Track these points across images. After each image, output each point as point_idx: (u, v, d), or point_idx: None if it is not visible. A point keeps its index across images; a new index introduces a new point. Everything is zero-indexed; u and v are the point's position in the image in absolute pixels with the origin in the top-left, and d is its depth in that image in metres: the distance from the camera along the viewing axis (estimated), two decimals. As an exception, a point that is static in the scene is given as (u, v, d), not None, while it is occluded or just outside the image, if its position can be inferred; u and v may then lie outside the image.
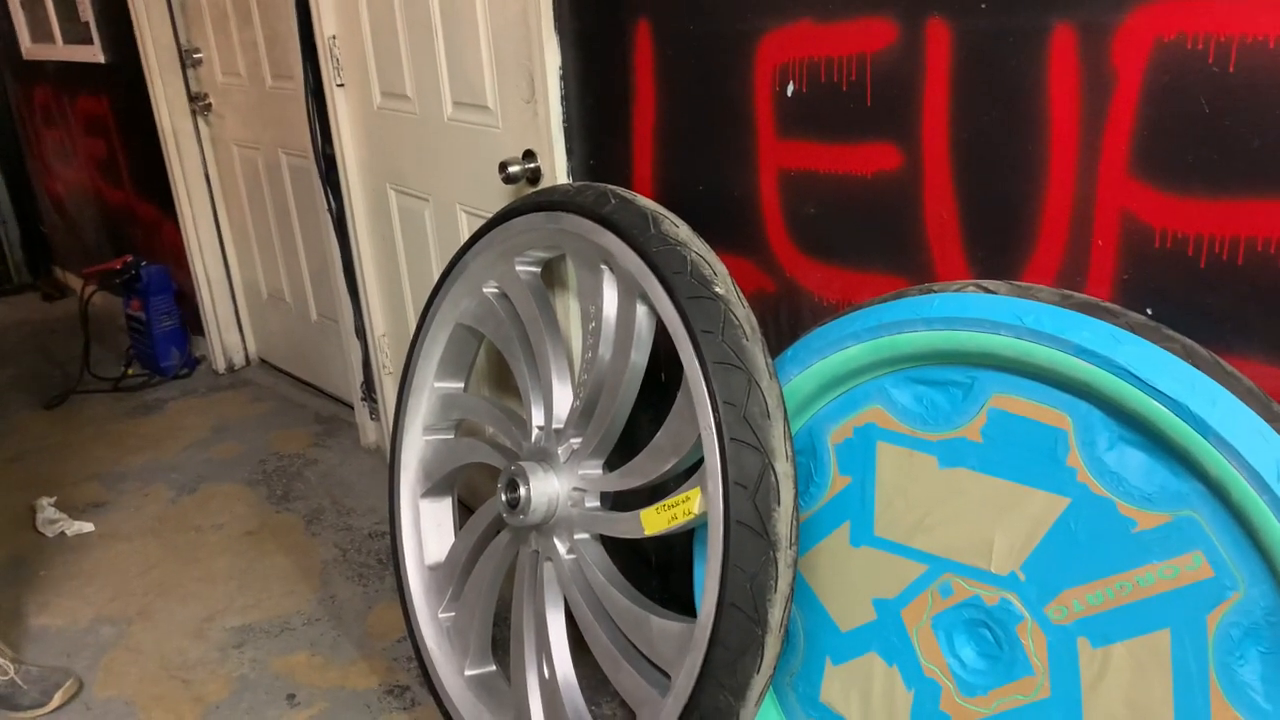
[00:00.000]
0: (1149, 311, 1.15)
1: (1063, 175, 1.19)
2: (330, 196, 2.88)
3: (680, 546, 1.96)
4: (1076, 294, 1.18)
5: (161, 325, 3.83)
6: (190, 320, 3.92)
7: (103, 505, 2.93)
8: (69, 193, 4.79)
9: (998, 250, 1.28)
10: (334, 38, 2.53)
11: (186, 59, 3.50)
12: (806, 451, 1.46)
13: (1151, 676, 1.15)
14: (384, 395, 2.89)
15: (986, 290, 1.22)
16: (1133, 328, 1.10)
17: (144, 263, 3.85)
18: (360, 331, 3.01)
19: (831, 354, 1.36)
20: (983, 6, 1.21)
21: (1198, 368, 1.06)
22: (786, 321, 1.59)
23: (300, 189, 3.22)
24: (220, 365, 3.90)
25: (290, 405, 3.57)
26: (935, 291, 1.26)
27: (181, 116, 3.56)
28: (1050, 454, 1.20)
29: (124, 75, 3.70)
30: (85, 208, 4.64)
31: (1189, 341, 1.09)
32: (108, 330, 4.17)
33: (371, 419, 3.13)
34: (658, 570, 2.08)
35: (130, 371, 3.87)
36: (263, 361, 3.95)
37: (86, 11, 3.82)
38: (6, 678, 2.07)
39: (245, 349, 3.95)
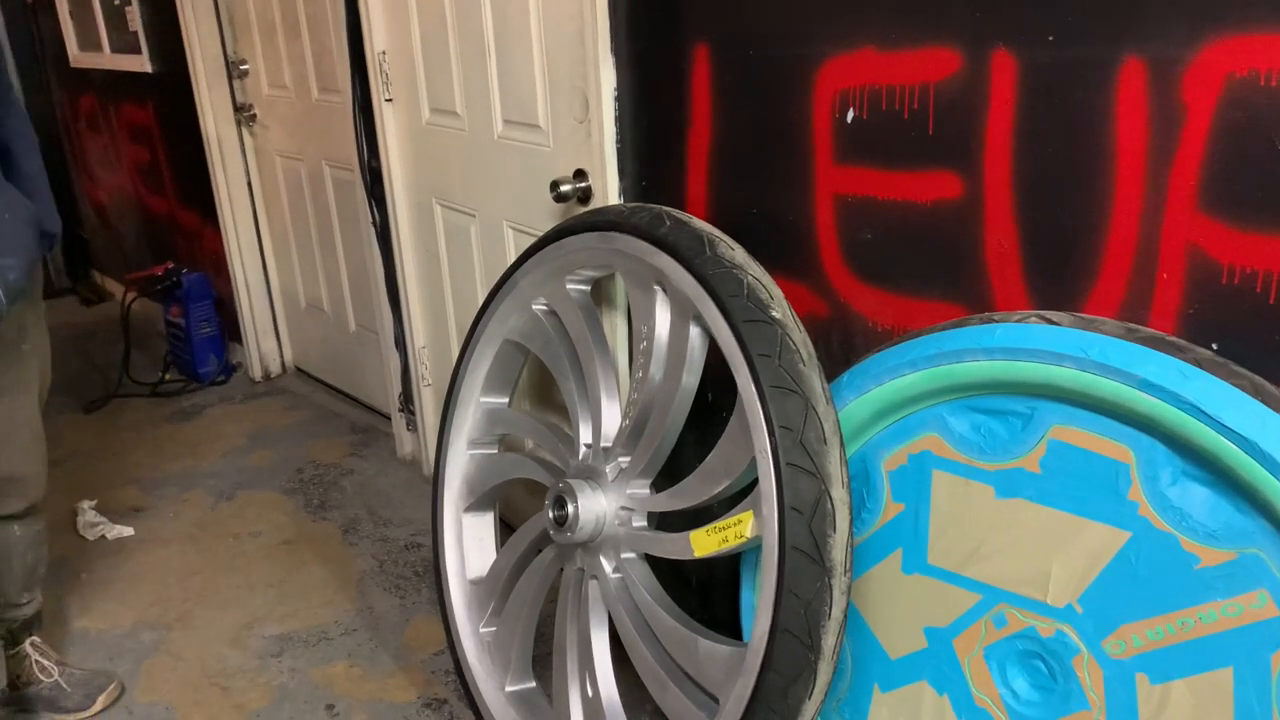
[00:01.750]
0: (1215, 347, 1.15)
1: (1128, 208, 1.19)
2: (375, 209, 2.90)
3: (722, 568, 1.96)
4: (1142, 328, 1.18)
5: (200, 332, 3.88)
6: (228, 327, 3.96)
7: (142, 510, 2.96)
8: (110, 199, 4.85)
9: (1058, 281, 1.28)
10: (384, 53, 2.56)
11: (233, 70, 3.55)
12: (860, 477, 1.46)
13: (1212, 715, 1.14)
14: (422, 407, 2.91)
15: (1049, 321, 1.22)
16: (1200, 363, 1.10)
17: (185, 270, 3.91)
18: (400, 343, 3.03)
19: (889, 380, 1.36)
20: (1050, 39, 1.21)
21: (1267, 405, 1.06)
22: (839, 346, 1.59)
23: (343, 201, 3.25)
24: (257, 373, 3.94)
25: (326, 414, 3.60)
26: (996, 321, 1.26)
27: (226, 126, 3.61)
28: (1111, 487, 1.19)
29: (170, 85, 3.75)
30: (126, 214, 4.71)
31: (1258, 378, 1.09)
32: (145, 335, 4.22)
33: (408, 430, 3.15)
34: (697, 590, 2.08)
35: (167, 377, 3.92)
36: (299, 370, 3.99)
37: (135, 21, 3.88)
38: (51, 680, 2.09)
39: (282, 357, 3.98)
